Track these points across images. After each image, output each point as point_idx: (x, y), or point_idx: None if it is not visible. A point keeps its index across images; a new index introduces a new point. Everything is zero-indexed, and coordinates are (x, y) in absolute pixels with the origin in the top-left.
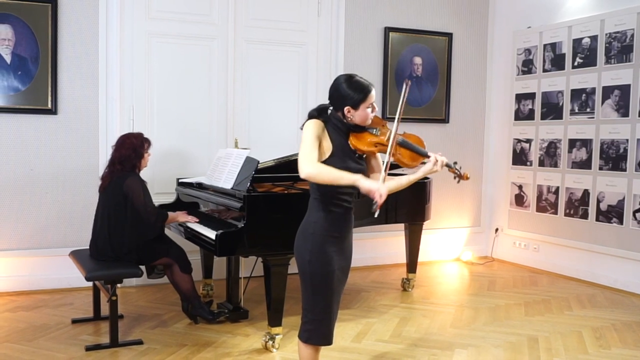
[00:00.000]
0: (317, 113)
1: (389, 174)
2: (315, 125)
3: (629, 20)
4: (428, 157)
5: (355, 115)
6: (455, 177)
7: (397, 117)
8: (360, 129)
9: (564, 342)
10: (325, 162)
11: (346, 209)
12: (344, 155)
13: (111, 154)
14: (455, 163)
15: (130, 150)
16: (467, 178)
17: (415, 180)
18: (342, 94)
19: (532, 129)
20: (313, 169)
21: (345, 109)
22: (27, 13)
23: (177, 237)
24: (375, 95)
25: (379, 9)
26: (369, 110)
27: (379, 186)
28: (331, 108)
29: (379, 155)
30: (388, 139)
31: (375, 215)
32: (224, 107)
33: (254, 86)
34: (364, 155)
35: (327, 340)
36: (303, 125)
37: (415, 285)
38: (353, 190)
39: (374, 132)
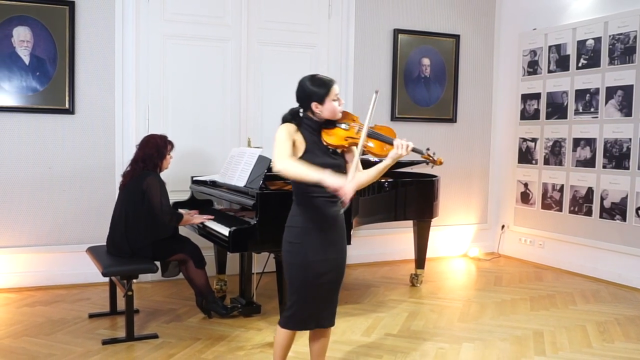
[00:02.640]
0: (291, 117)
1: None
2: (286, 127)
3: (632, 22)
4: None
5: (324, 110)
6: (428, 163)
7: (367, 120)
8: (331, 124)
9: (568, 336)
10: (300, 159)
11: (326, 203)
12: (318, 151)
13: (135, 153)
14: (427, 149)
15: (154, 149)
16: (441, 163)
17: (384, 168)
18: (307, 92)
19: (537, 128)
20: (283, 164)
21: (313, 104)
22: (45, 15)
23: (191, 233)
24: (338, 89)
25: (388, 12)
26: (335, 103)
27: (344, 184)
28: (302, 110)
29: (354, 148)
30: (358, 132)
31: (341, 212)
32: (237, 107)
33: (267, 86)
34: (340, 150)
35: (302, 326)
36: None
37: (423, 280)
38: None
39: (344, 127)
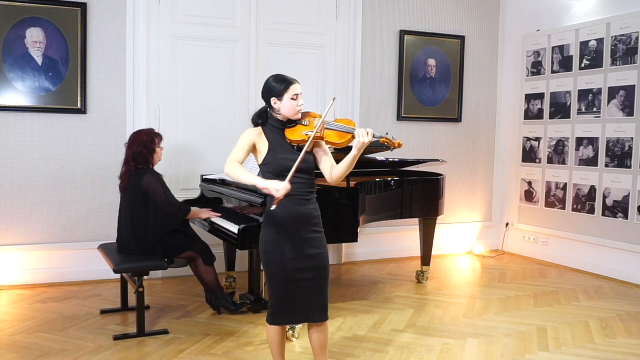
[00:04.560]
0: (258, 117)
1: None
2: (249, 132)
3: (634, 24)
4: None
5: (282, 107)
6: (386, 146)
7: (324, 114)
8: (294, 124)
9: (571, 331)
10: (263, 161)
11: (299, 202)
12: (279, 149)
13: (125, 153)
14: (387, 134)
15: (142, 147)
16: (400, 145)
17: (353, 157)
18: (269, 88)
19: (541, 127)
20: (228, 168)
21: (272, 100)
22: (57, 17)
23: (201, 231)
24: (299, 89)
25: (395, 13)
26: (294, 101)
27: (273, 184)
28: (269, 109)
29: (325, 145)
30: (315, 126)
31: (272, 208)
32: (246, 107)
33: None
34: (309, 148)
35: (287, 320)
36: None
37: (429, 277)
38: (307, 185)
39: (305, 124)
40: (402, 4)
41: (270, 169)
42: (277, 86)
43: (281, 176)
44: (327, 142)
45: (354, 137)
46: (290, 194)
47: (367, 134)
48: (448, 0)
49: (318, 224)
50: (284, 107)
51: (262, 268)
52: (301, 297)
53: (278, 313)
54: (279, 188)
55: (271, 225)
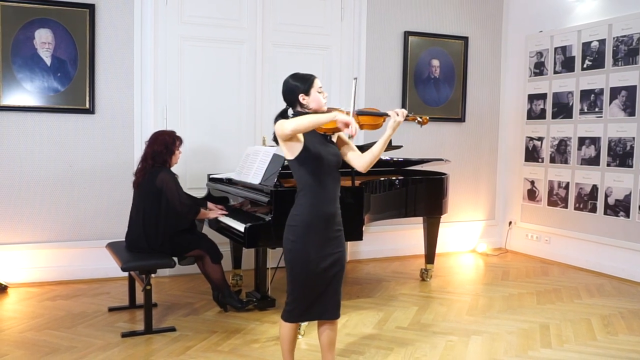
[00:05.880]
0: (280, 116)
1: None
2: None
3: (635, 25)
4: (387, 115)
5: (310, 101)
6: (417, 122)
7: (352, 100)
8: None
9: (573, 329)
10: (300, 153)
11: (330, 202)
12: (315, 143)
13: (144, 150)
14: (412, 113)
15: (162, 146)
16: (427, 120)
17: (388, 137)
18: (292, 88)
19: (543, 127)
20: (293, 122)
21: (300, 97)
22: (66, 18)
23: (208, 229)
24: (320, 83)
25: (399, 14)
26: (320, 93)
27: (350, 118)
28: (290, 110)
29: (346, 137)
30: (347, 112)
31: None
32: (253, 107)
33: (281, 87)
34: (331, 138)
35: (304, 318)
36: (274, 132)
37: (433, 275)
38: (338, 182)
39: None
40: (406, 6)
41: (308, 159)
42: (300, 84)
43: (318, 170)
44: (363, 126)
45: (384, 120)
46: (326, 192)
47: (402, 113)
48: (452, 1)
49: (340, 222)
50: (313, 100)
51: (270, 266)
52: (319, 295)
53: (296, 311)
54: (348, 120)
55: (300, 225)
